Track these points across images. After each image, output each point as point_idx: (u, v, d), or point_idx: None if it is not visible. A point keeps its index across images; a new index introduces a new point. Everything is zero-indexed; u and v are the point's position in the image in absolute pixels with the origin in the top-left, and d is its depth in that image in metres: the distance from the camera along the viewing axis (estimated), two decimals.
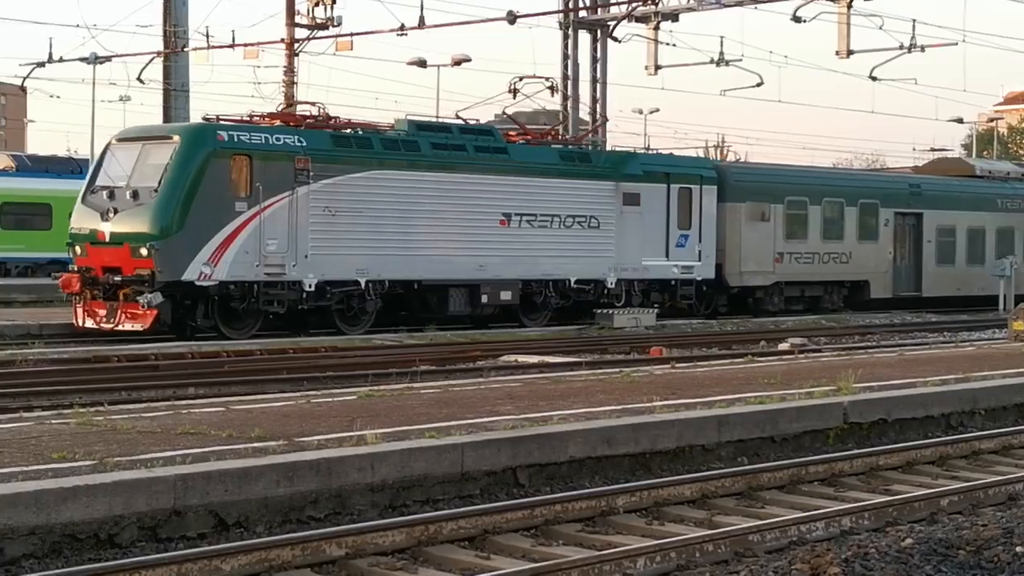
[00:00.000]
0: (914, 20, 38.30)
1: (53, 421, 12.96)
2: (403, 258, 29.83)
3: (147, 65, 40.04)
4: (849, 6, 37.22)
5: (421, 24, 37.55)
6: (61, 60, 46.69)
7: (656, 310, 34.40)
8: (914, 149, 64.83)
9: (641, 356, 25.59)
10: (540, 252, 32.19)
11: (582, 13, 41.27)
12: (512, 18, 37.21)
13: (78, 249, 27.77)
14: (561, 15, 41.19)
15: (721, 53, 39.89)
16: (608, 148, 39.64)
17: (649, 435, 13.04)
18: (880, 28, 37.30)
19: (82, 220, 27.91)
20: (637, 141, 76.60)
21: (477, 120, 34.26)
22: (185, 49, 39.07)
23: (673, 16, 40.21)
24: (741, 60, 40.10)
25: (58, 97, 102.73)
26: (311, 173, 28.32)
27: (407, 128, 30.99)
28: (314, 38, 41.98)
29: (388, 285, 29.76)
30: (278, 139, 28.29)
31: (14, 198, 45.89)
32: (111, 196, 27.46)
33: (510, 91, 34.95)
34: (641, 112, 78.47)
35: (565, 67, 41.29)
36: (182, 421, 12.79)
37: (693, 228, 35.29)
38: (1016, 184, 45.65)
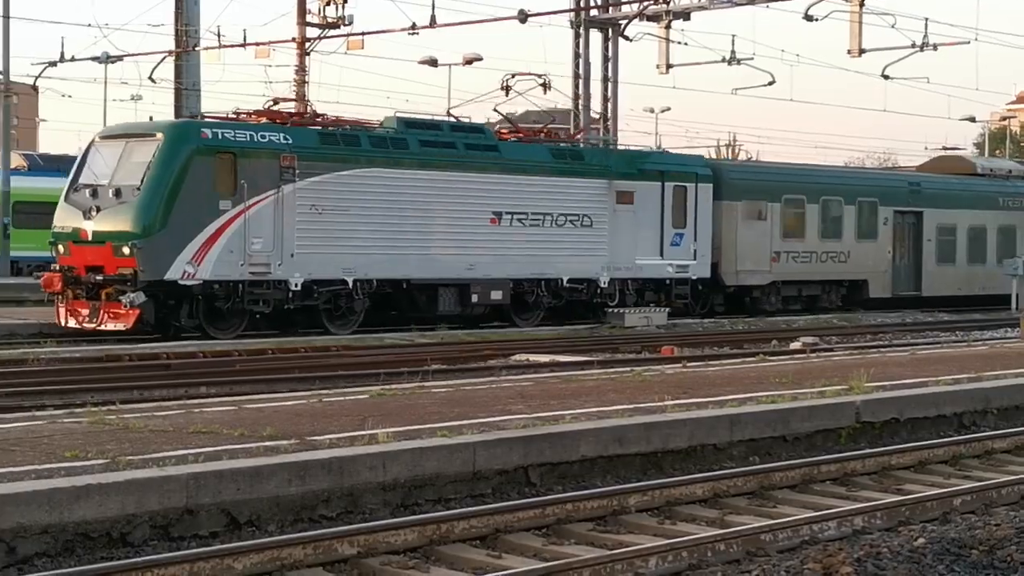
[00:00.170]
0: (926, 19, 38.23)
1: (65, 420, 12.98)
2: (391, 257, 29.56)
3: (159, 64, 40.10)
4: (861, 4, 37.15)
5: (432, 23, 37.53)
6: (73, 59, 46.78)
7: (667, 309, 34.34)
8: (926, 148, 64.74)
9: (652, 355, 25.57)
10: (531, 251, 31.90)
11: (593, 12, 41.25)
12: (523, 17, 37.17)
13: (61, 248, 27.57)
14: (572, 14, 41.17)
15: (733, 52, 39.86)
16: (620, 147, 39.59)
17: (661, 434, 13.03)
18: (892, 27, 37.26)
19: (65, 218, 27.67)
20: (648, 140, 76.57)
21: (469, 118, 34.09)
22: (197, 48, 39.11)
23: (684, 15, 40.19)
24: (753, 59, 40.08)
25: (70, 96, 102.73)
26: (297, 171, 28.05)
27: (396, 125, 30.67)
28: (325, 37, 42.01)
29: (376, 284, 29.48)
30: (263, 137, 27.99)
31: (26, 197, 45.92)
32: (94, 194, 27.21)
33: (502, 88, 34.81)
34: (652, 111, 78.56)
35: (576, 66, 41.28)
36: (194, 420, 12.80)
37: (688, 227, 34.98)
38: (1018, 182, 45.30)
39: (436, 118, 32.39)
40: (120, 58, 46.73)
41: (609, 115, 41.72)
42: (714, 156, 74.83)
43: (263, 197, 27.66)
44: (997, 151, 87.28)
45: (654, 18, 40.47)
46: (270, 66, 45.35)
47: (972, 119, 73.68)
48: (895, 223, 40.85)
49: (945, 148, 69.24)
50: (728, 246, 36.38)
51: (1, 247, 44.18)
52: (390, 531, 9.66)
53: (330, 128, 29.78)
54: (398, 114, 31.44)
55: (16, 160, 49.04)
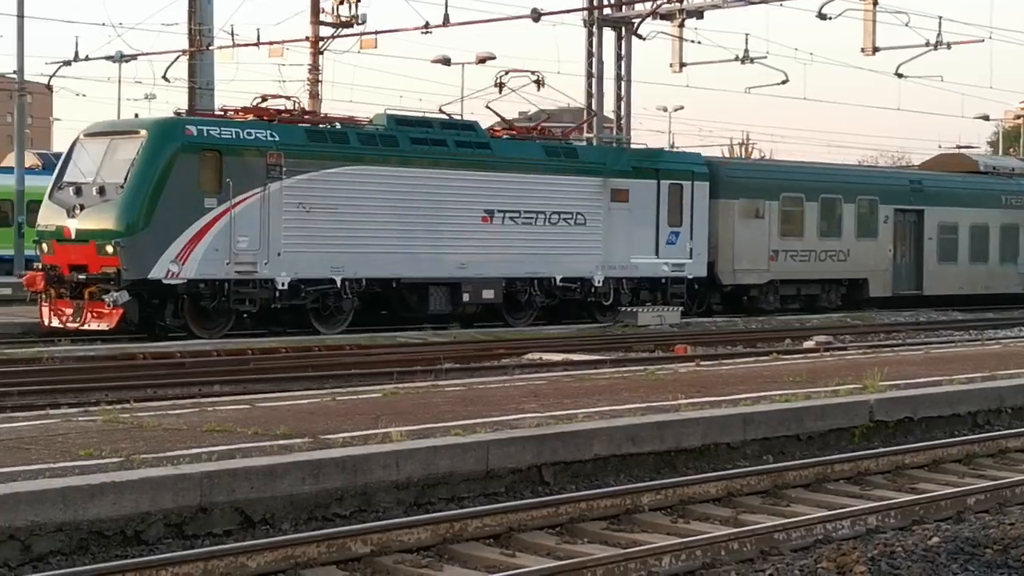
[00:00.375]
0: (940, 17, 38.13)
1: (80, 418, 13.01)
2: (381, 256, 29.31)
3: (172, 63, 40.09)
4: (875, 3, 37.06)
5: (446, 22, 37.52)
6: (87, 59, 46.82)
7: (680, 308, 34.28)
8: (940, 147, 64.66)
9: (665, 354, 25.56)
10: (524, 250, 31.65)
11: (607, 10, 41.20)
12: (536, 16, 37.13)
13: (45, 247, 27.39)
14: (585, 12, 41.12)
15: (746, 50, 39.77)
16: (633, 146, 39.55)
17: (674, 433, 13.03)
18: (906, 25, 37.15)
19: (49, 217, 27.50)
20: (662, 139, 76.54)
21: (464, 115, 33.80)
22: (210, 47, 39.14)
23: (698, 13, 40.12)
24: (766, 57, 39.98)
25: (84, 96, 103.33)
26: (284, 169, 27.80)
27: (385, 123, 30.38)
28: (339, 36, 42.00)
29: (365, 283, 29.23)
30: (249, 134, 27.75)
31: (40, 196, 46.01)
32: (78, 192, 27.05)
33: (496, 85, 34.66)
34: (666, 110, 78.52)
35: (589, 64, 41.24)
36: (208, 418, 12.82)
37: (684, 225, 34.72)
38: (1021, 180, 44.96)
39: (427, 115, 32.10)
40: (134, 57, 46.84)
41: (622, 114, 41.67)
42: (727, 155, 74.75)
43: (249, 195, 27.40)
44: (1011, 149, 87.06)
45: (667, 17, 40.40)
46: (284, 65, 45.33)
47: (986, 117, 73.53)
48: (896, 221, 40.57)
49: (959, 147, 69.17)
50: (725, 245, 36.16)
51: (16, 245, 44.24)
52: (403, 530, 9.66)
53: (318, 125, 29.53)
54: (388, 111, 31.12)
55: (30, 159, 49.13)
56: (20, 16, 44.31)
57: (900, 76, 40.58)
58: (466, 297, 30.70)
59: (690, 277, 35.03)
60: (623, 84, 41.45)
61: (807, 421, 14.25)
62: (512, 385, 16.46)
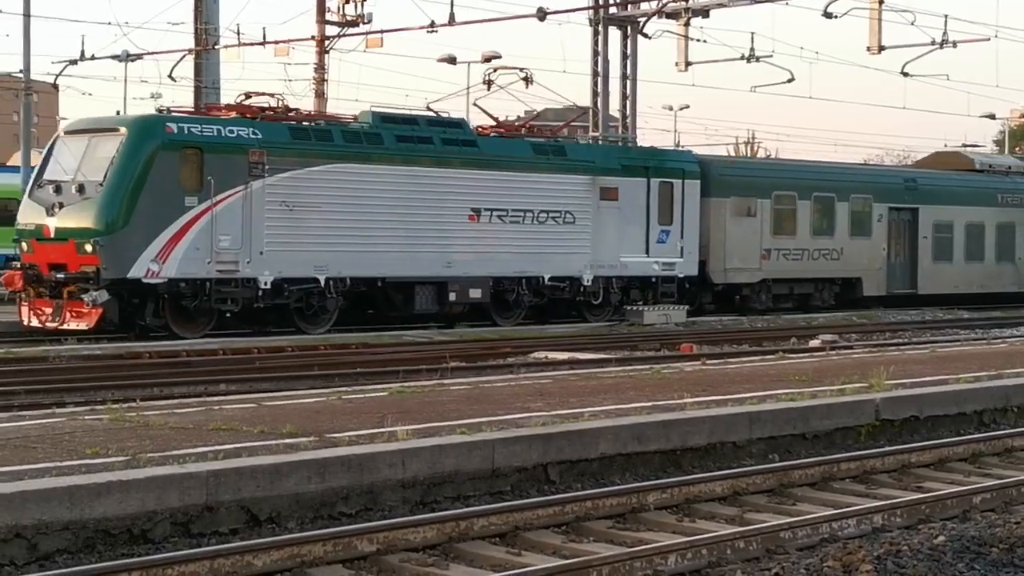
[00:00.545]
0: (946, 15, 38.12)
1: (86, 417, 13.03)
2: (365, 255, 29.08)
3: (178, 63, 40.16)
4: (881, 2, 37.06)
5: (451, 21, 37.55)
6: (93, 58, 46.94)
7: (686, 307, 34.22)
8: (945, 145, 64.43)
9: (671, 353, 25.56)
10: (512, 248, 31.43)
11: (612, 9, 41.20)
12: (542, 15, 37.15)
13: (24, 245, 27.19)
14: (591, 11, 41.12)
15: (752, 49, 39.75)
16: (640, 145, 39.53)
17: (680, 432, 13.03)
18: (912, 24, 37.15)
19: (28, 215, 27.31)
20: (667, 138, 76.55)
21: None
22: (216, 47, 39.18)
23: (703, 12, 40.12)
24: (772, 56, 39.96)
25: (90, 95, 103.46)
26: (267, 167, 27.58)
27: (371, 120, 30.18)
28: (344, 35, 42.04)
29: (350, 283, 29.00)
30: (231, 131, 27.54)
31: None
32: (57, 190, 26.83)
33: (485, 83, 34.55)
34: (671, 108, 78.46)
35: (595, 63, 41.24)
36: (214, 417, 12.84)
37: (675, 223, 34.50)
38: (1017, 178, 44.68)
39: (413, 113, 31.85)
40: (140, 56, 46.90)
41: (628, 113, 41.68)
42: (733, 154, 74.72)
43: (231, 193, 27.17)
44: (1017, 148, 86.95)
45: (673, 15, 40.40)
46: (289, 64, 45.49)
47: (992, 116, 73.43)
48: (890, 220, 40.33)
49: (965, 145, 69.09)
50: (716, 243, 35.94)
51: None
52: (409, 528, 9.67)
53: (302, 123, 29.27)
54: (373, 108, 30.89)
55: (36, 158, 49.15)
56: (26, 15, 44.33)
57: (906, 75, 40.56)
58: (453, 296, 30.44)
59: (681, 276, 34.79)
60: (628, 83, 41.45)
61: (813, 420, 14.24)
62: (518, 384, 16.47)
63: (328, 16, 41.85)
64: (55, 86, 51.63)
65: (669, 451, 12.89)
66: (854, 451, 13.57)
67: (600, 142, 38.25)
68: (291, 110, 29.81)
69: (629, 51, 41.25)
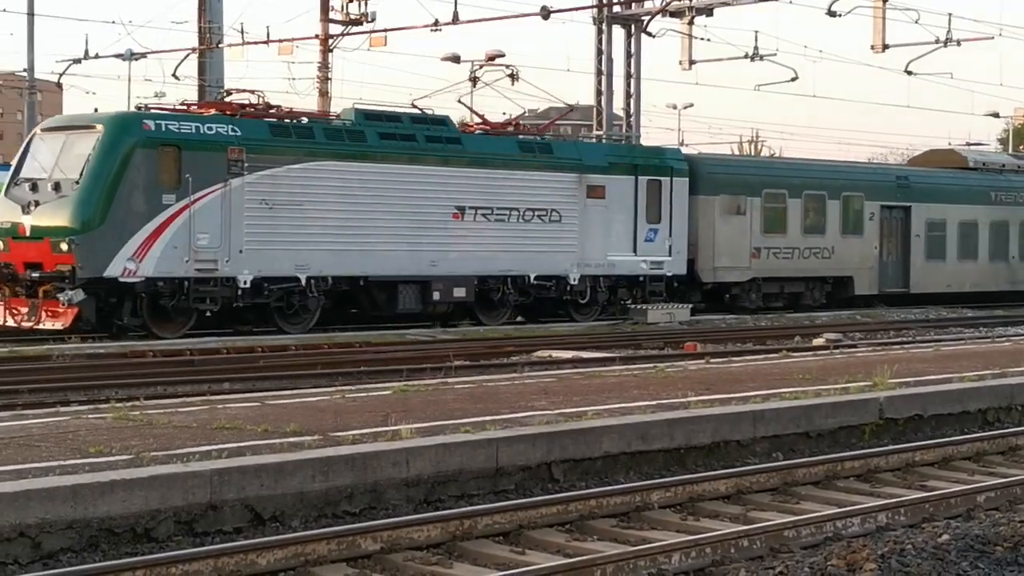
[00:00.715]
0: (950, 14, 38.12)
1: (90, 416, 13.04)
2: (347, 253, 28.75)
3: (182, 61, 40.18)
4: (884, 0, 37.04)
5: (455, 19, 37.56)
6: (97, 56, 46.94)
7: (690, 306, 34.15)
8: (950, 143, 64.40)
9: (675, 351, 25.55)
10: (497, 247, 31.06)
11: (616, 8, 41.20)
12: (546, 13, 37.16)
13: (0, 244, 26.87)
14: (595, 10, 41.13)
15: (755, 48, 39.72)
16: (643, 144, 39.49)
17: (684, 430, 13.02)
18: (916, 22, 37.12)
19: (4, 213, 26.92)
20: (671, 136, 76.52)
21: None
22: (220, 45, 39.21)
23: (707, 11, 40.09)
24: (775, 55, 39.91)
25: (94, 93, 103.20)
26: (246, 164, 27.30)
27: (353, 117, 29.88)
28: (348, 34, 42.04)
29: (331, 282, 28.66)
30: (209, 128, 27.24)
31: None
32: (34, 188, 26.47)
33: (470, 79, 34.45)
34: (675, 107, 78.45)
35: (599, 62, 41.25)
36: (217, 416, 12.84)
37: (663, 222, 34.17)
38: (1011, 176, 44.38)
39: (397, 110, 31.54)
40: (144, 55, 46.91)
41: (632, 111, 41.67)
42: (737, 152, 74.65)
43: (209, 191, 26.86)
44: (1021, 146, 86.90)
45: (677, 14, 40.39)
46: (293, 63, 45.32)
47: (996, 115, 73.40)
48: (882, 218, 40.03)
49: (969, 144, 69.06)
50: (705, 242, 35.64)
51: None
52: (413, 527, 9.67)
53: (282, 120, 28.96)
54: (356, 105, 30.59)
55: None
56: (30, 14, 44.39)
57: (910, 73, 40.53)
58: (436, 296, 30.08)
59: (669, 275, 34.46)
60: (632, 82, 41.46)
61: (817, 418, 14.23)
62: (522, 383, 16.46)
63: (332, 15, 41.85)
64: (59, 85, 51.63)
65: (673, 450, 12.89)
66: (858, 450, 13.57)
67: (604, 140, 38.22)
68: (272, 107, 29.49)
69: (633, 50, 41.25)
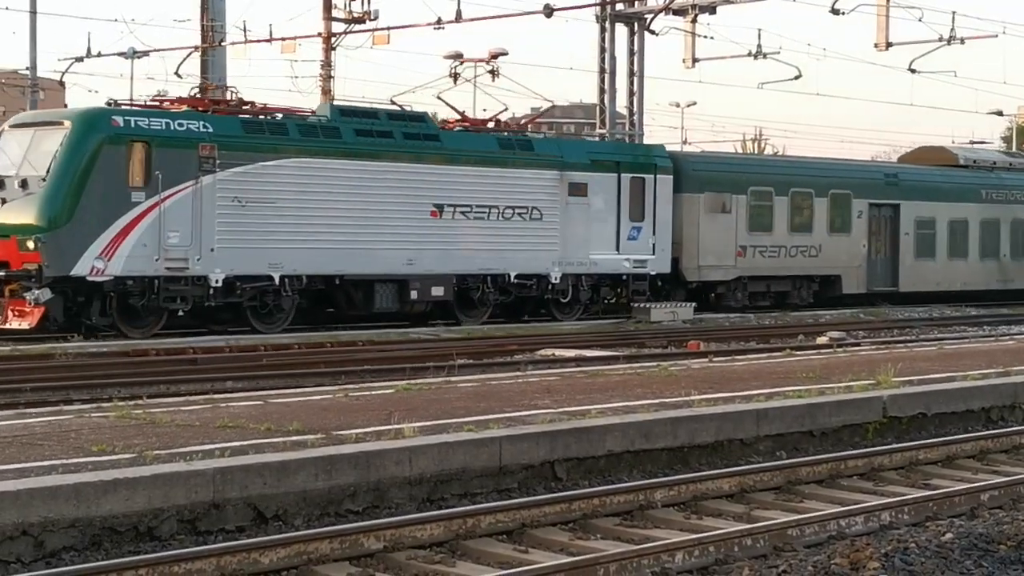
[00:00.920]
0: (953, 12, 38.11)
1: (92, 414, 13.03)
2: (322, 251, 28.43)
3: (185, 60, 40.13)
4: None
5: (458, 18, 37.53)
6: (99, 55, 46.93)
7: (693, 304, 34.08)
8: (953, 142, 64.34)
9: (678, 350, 25.55)
10: (476, 245, 30.78)
11: (619, 6, 41.18)
12: (549, 12, 37.13)
13: None
14: (598, 8, 41.10)
15: (759, 46, 39.73)
16: (646, 142, 39.46)
17: (687, 429, 13.01)
18: (919, 20, 37.10)
19: None
20: (674, 134, 76.47)
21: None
22: (223, 43, 39.19)
23: (710, 8, 40.06)
24: (779, 53, 39.91)
25: (96, 92, 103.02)
26: (218, 161, 26.99)
27: (329, 113, 29.66)
28: (351, 32, 42.02)
29: (306, 280, 28.36)
30: (180, 125, 26.89)
31: None
32: (0, 185, 26.12)
33: (451, 76, 34.29)
34: (678, 105, 78.37)
35: (602, 60, 41.23)
36: (220, 415, 12.84)
37: (646, 220, 33.85)
38: (1002, 174, 44.10)
39: (374, 106, 31.26)
40: (146, 53, 46.91)
41: (635, 110, 41.65)
42: (740, 150, 74.62)
43: (180, 188, 26.53)
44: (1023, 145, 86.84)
45: (680, 12, 40.37)
46: (296, 61, 45.35)
47: (999, 113, 73.36)
48: (870, 216, 39.76)
49: (972, 142, 69.04)
50: (690, 240, 35.38)
51: None
52: (416, 525, 9.66)
53: (256, 116, 28.65)
54: (333, 101, 30.58)
55: None
56: (33, 12, 44.41)
57: (913, 71, 40.51)
58: (414, 295, 29.76)
59: (653, 273, 34.18)
60: (635, 80, 41.43)
61: (820, 417, 14.22)
62: (525, 381, 16.46)
63: (335, 13, 41.81)
64: (61, 83, 51.64)
65: (676, 448, 12.88)
66: (862, 448, 13.56)
67: (607, 139, 38.18)
68: (245, 103, 29.24)
69: (636, 48, 41.23)
